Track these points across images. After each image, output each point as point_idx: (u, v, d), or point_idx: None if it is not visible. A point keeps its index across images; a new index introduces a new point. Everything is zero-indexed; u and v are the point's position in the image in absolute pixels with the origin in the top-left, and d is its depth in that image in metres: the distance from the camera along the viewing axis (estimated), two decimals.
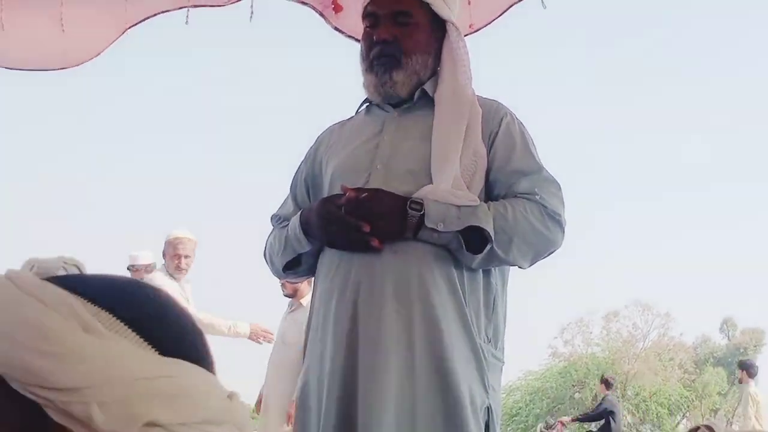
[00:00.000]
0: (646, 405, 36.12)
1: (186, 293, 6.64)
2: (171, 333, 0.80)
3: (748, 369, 12.24)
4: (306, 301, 6.31)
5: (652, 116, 52.52)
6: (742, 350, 42.77)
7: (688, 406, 38.13)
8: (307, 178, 2.51)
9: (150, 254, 7.81)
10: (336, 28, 3.42)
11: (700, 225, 52.12)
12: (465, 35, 3.18)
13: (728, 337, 44.98)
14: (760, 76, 51.58)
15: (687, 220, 52.28)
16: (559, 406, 35.76)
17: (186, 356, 0.79)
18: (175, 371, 0.76)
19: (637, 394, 36.36)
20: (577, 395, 36.00)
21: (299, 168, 2.56)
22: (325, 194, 2.36)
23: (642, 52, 51.47)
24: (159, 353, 0.77)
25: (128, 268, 7.79)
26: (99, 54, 3.65)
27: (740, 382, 12.66)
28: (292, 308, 6.77)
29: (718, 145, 51.59)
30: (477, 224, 2.14)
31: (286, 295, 7.02)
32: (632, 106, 51.03)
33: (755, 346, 43.01)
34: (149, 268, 7.71)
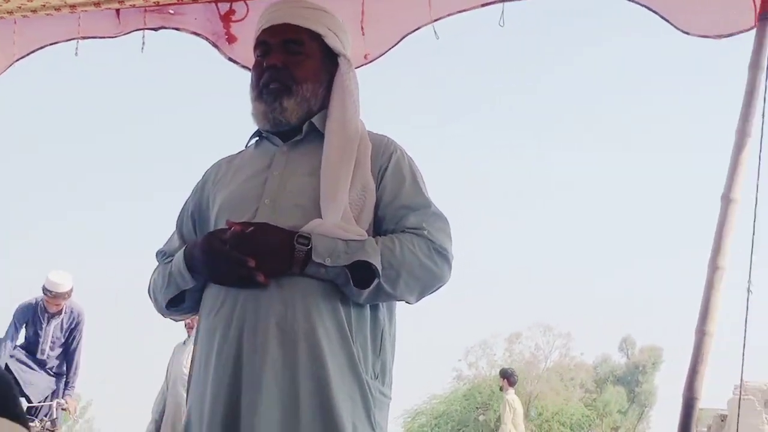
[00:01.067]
0: (549, 425, 36.52)
1: None
2: None
3: (508, 377, 12.92)
4: None
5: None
6: (641, 368, 43.64)
7: (589, 425, 38.66)
8: (194, 213, 2.47)
9: (70, 279, 7.66)
10: (230, 59, 3.42)
11: (593, 245, 53.20)
12: (360, 66, 3.21)
13: (627, 355, 45.80)
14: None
15: (578, 237, 53.33)
16: (464, 428, 35.95)
17: None
18: None
19: (540, 414, 36.72)
20: (481, 417, 36.18)
21: (186, 203, 2.52)
22: (212, 229, 2.32)
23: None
24: None
25: (46, 293, 7.54)
26: None
27: (501, 389, 13.18)
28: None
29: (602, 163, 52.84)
30: (365, 259, 2.13)
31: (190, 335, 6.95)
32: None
33: (653, 364, 43.90)
34: (69, 294, 7.59)
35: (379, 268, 2.13)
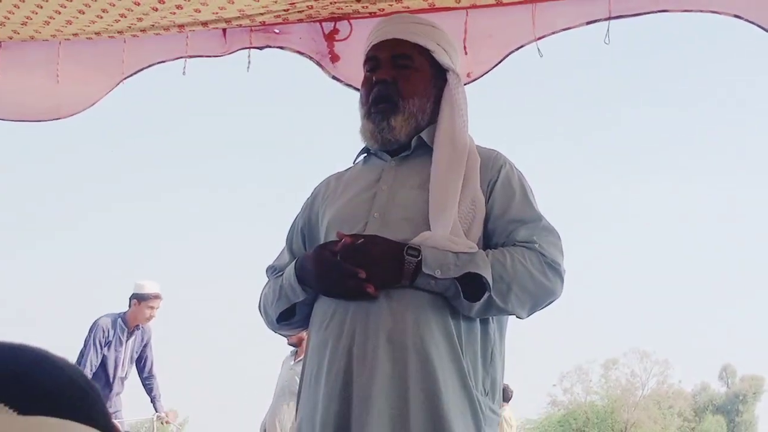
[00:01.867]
0: None
1: None
2: (34, 391, 0.76)
3: (503, 393, 12.79)
4: None
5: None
6: (741, 398, 42.55)
7: None
8: (304, 228, 2.48)
9: (156, 285, 7.56)
10: (334, 77, 3.43)
11: (693, 271, 52.06)
12: (464, 84, 3.20)
13: (727, 384, 44.72)
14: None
15: (678, 264, 52.28)
16: None
17: (55, 412, 0.75)
18: (36, 430, 0.73)
19: None
20: None
21: (296, 219, 2.54)
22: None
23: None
24: (18, 413, 0.73)
25: (145, 299, 7.39)
26: (93, 104, 3.65)
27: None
28: (298, 359, 6.70)
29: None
30: (475, 271, 2.10)
31: (290, 344, 6.98)
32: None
33: (755, 394, 42.78)
34: (159, 296, 7.50)
35: (490, 281, 2.09)
